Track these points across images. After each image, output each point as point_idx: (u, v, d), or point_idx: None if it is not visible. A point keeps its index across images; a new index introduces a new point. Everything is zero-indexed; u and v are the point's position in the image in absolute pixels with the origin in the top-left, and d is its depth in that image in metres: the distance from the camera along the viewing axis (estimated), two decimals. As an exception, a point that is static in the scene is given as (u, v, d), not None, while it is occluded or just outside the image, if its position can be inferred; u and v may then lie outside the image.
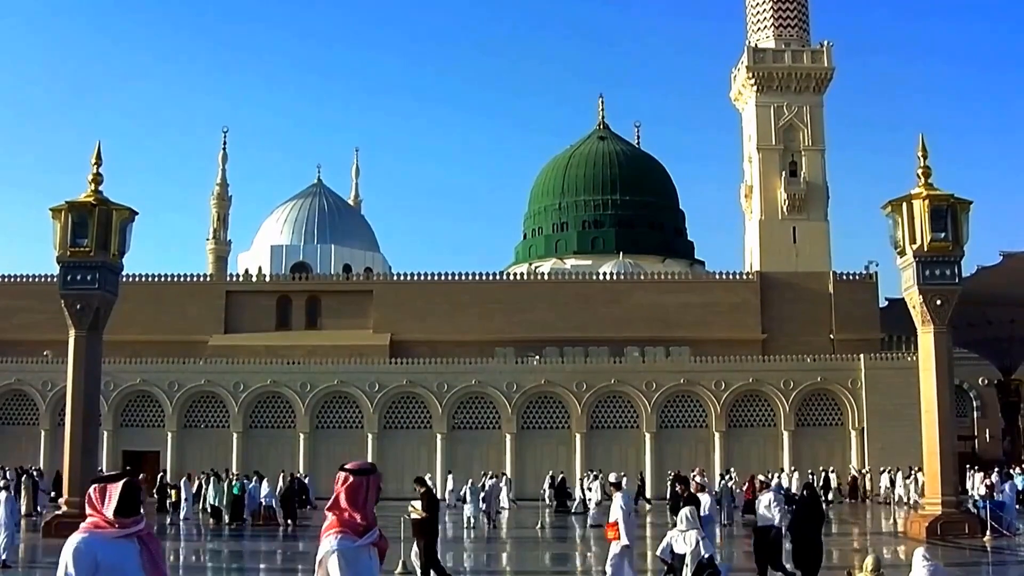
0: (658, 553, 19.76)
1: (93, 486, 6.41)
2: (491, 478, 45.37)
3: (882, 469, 57.92)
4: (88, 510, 6.38)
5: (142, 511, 6.50)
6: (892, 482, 55.75)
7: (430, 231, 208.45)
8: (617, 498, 18.48)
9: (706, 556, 18.15)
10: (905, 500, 52.95)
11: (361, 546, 6.40)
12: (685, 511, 19.21)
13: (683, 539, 18.55)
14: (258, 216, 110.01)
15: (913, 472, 53.64)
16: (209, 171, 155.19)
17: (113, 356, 52.24)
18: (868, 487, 59.47)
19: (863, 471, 60.00)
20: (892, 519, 44.98)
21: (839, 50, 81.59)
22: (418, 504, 20.57)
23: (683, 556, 18.46)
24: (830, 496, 50.93)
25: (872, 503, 56.24)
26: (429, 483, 24.96)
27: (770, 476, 22.36)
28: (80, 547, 6.21)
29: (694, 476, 37.11)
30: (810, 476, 51.58)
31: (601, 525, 40.21)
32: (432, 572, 20.04)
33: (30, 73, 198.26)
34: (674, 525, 20.21)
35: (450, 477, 56.53)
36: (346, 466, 6.63)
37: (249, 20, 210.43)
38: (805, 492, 22.04)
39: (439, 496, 47.25)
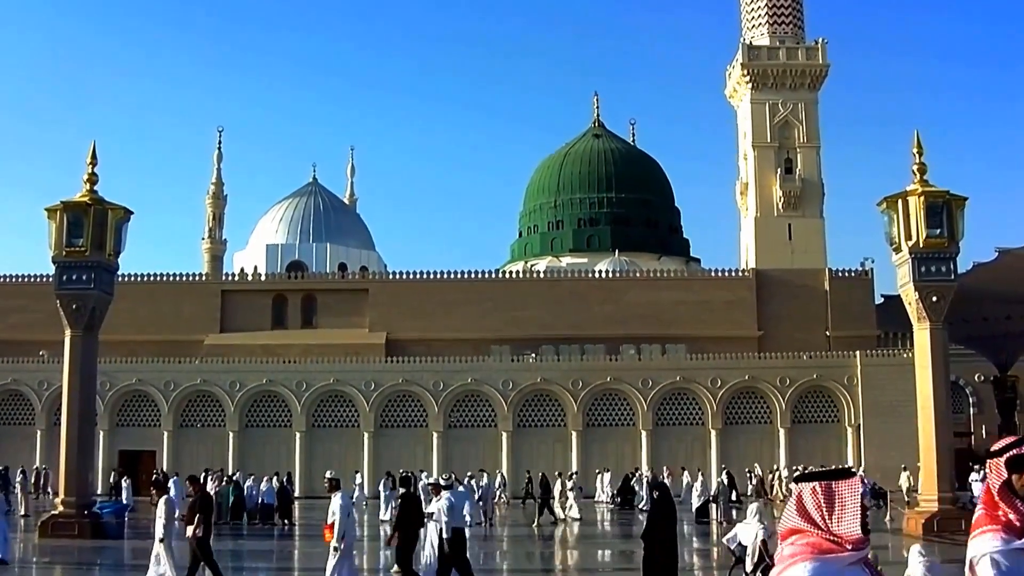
0: (724, 541, 19.91)
1: (808, 486, 4.61)
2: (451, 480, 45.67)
3: (795, 468, 57.09)
4: (801, 522, 4.55)
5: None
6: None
7: (426, 229, 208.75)
8: (335, 499, 18.46)
9: (763, 549, 18.34)
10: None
11: (1021, 549, 4.84)
12: (753, 505, 19.50)
13: (748, 531, 18.80)
14: (253, 215, 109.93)
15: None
16: (204, 170, 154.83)
17: (109, 356, 52.28)
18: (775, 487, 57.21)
19: (774, 470, 58.95)
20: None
21: (834, 47, 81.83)
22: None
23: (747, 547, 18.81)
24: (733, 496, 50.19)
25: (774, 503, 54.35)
26: (202, 481, 24.59)
27: (449, 477, 21.03)
28: None
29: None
30: (664, 475, 51.83)
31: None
32: (207, 568, 19.88)
33: (25, 72, 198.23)
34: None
35: (607, 475, 56.05)
36: (994, 447, 5.01)
37: (244, 19, 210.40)
38: (656, 494, 19.73)
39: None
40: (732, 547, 19.49)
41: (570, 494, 41.73)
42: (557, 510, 42.91)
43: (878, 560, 14.49)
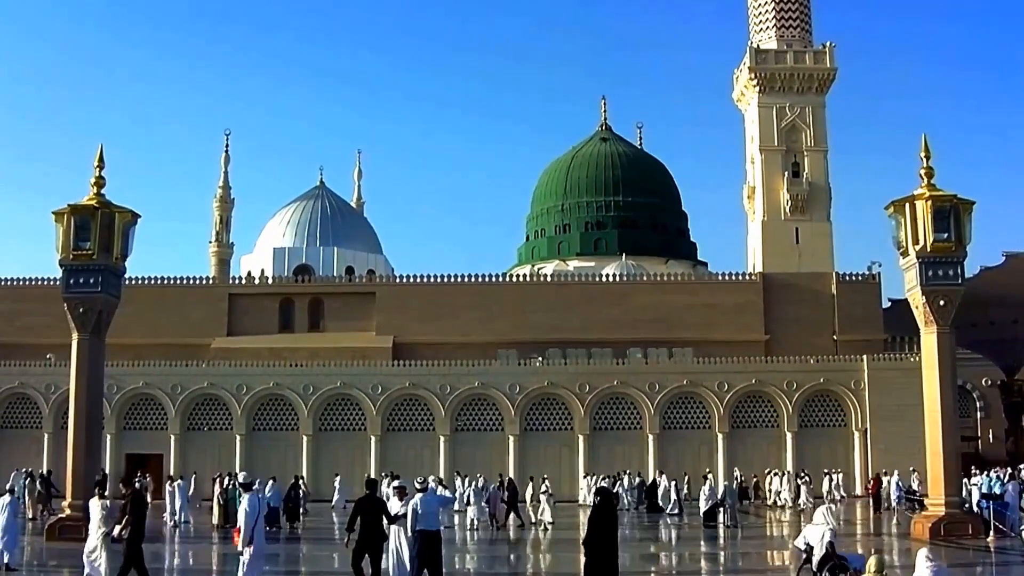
0: (796, 542, 20.37)
1: None
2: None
3: (775, 472, 56.61)
4: None
5: None
6: (797, 487, 53.87)
7: (433, 233, 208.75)
8: (244, 500, 18.38)
9: (831, 549, 18.79)
10: (789, 504, 52.27)
11: None
12: (821, 508, 19.92)
13: (815, 532, 19.25)
14: (261, 219, 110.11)
15: (794, 475, 53.45)
16: (211, 174, 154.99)
17: (116, 359, 52.27)
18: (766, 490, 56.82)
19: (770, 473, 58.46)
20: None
21: (841, 51, 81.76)
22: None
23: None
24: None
25: (762, 507, 54.42)
26: (136, 485, 24.40)
27: (424, 481, 21.36)
28: None
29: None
30: (606, 480, 52.16)
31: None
32: (133, 570, 19.87)
33: (33, 76, 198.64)
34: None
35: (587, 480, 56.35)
36: None
37: (251, 22, 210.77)
38: (598, 499, 19.28)
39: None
40: (801, 547, 19.90)
41: (542, 497, 41.57)
42: (529, 513, 42.85)
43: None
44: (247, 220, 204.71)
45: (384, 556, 19.88)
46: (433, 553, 19.42)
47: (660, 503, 50.89)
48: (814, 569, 19.08)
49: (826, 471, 55.93)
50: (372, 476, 23.86)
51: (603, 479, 53.11)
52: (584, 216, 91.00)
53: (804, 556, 20.11)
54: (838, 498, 53.54)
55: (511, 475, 58.57)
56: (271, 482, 43.07)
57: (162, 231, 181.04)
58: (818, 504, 50.27)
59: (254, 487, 19.00)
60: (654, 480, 53.77)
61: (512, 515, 41.21)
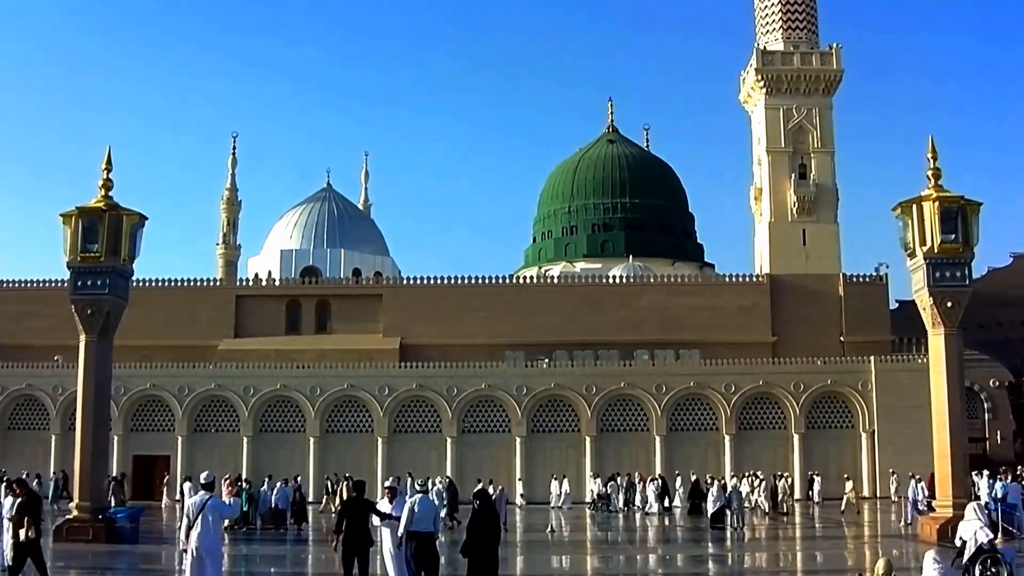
0: (956, 541, 21.00)
1: None
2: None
3: (741, 475, 56.03)
4: None
5: None
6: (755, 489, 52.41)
7: (439, 235, 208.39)
8: (195, 498, 18.33)
9: (986, 542, 19.20)
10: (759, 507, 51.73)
11: None
12: (972, 505, 20.39)
13: (968, 528, 19.74)
14: (268, 221, 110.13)
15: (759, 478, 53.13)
16: (219, 176, 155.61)
17: (123, 361, 52.32)
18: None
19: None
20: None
21: (848, 52, 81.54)
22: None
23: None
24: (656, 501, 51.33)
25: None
26: (31, 484, 24.25)
27: (424, 483, 21.43)
28: None
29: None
30: (653, 481, 52.27)
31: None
32: (36, 570, 20.02)
33: (41, 79, 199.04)
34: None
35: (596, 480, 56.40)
36: None
37: (259, 26, 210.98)
38: (478, 504, 19.34)
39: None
40: (957, 544, 20.29)
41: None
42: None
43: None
44: (254, 222, 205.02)
45: (389, 561, 19.96)
46: (429, 554, 19.53)
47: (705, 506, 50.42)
48: (964, 562, 19.47)
49: (781, 474, 55.09)
50: (361, 479, 23.74)
51: (650, 480, 52.95)
52: (591, 218, 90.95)
53: (957, 551, 20.50)
54: (817, 501, 54.24)
55: (518, 477, 58.94)
56: (280, 484, 43.28)
57: (169, 233, 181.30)
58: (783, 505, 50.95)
59: (213, 488, 18.66)
60: (697, 481, 53.03)
61: (448, 517, 41.03)
